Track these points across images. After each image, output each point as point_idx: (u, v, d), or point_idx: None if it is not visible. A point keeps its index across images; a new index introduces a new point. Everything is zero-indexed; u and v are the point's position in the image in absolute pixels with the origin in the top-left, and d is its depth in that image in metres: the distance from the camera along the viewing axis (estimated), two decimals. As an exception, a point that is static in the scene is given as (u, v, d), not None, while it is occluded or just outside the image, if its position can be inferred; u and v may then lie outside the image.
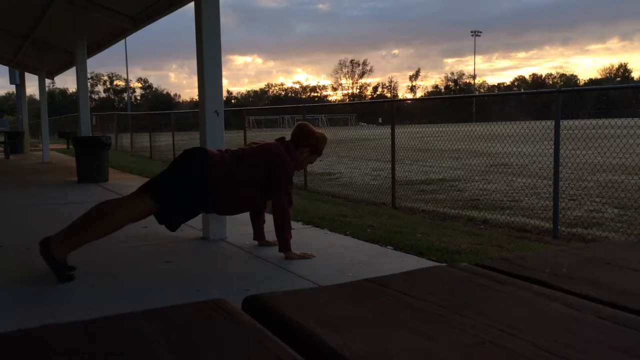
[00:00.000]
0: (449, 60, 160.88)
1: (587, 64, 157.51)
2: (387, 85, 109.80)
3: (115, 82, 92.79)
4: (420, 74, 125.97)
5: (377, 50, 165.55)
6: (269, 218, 4.20)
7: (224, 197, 3.76)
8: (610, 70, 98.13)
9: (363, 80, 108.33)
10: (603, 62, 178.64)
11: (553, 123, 5.39)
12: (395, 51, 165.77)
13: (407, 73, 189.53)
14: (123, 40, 12.54)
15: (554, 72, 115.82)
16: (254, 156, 3.84)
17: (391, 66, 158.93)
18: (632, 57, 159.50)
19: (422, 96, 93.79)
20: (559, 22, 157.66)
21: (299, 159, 4.03)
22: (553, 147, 5.36)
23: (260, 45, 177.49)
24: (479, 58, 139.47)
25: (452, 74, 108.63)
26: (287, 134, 4.22)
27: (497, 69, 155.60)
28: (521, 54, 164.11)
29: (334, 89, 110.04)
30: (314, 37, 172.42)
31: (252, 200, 3.95)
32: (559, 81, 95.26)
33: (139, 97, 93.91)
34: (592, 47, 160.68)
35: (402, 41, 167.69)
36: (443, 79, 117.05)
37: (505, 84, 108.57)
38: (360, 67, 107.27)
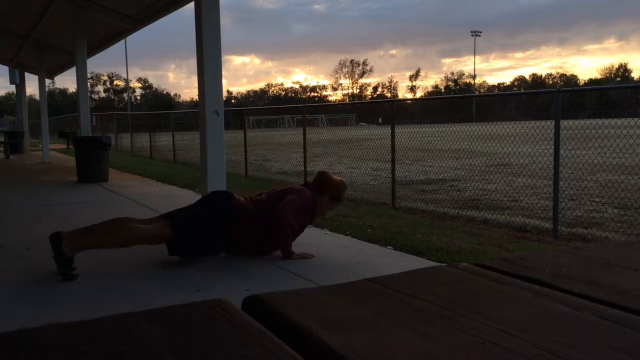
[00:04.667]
0: (447, 61, 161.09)
1: (585, 64, 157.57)
2: (387, 85, 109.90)
3: (115, 82, 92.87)
4: (420, 74, 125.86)
5: (375, 50, 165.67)
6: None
7: (240, 238, 3.83)
8: (610, 70, 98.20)
9: (363, 80, 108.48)
10: (601, 62, 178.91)
11: (553, 123, 5.39)
12: (393, 51, 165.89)
13: (405, 73, 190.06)
14: (123, 40, 12.55)
15: (553, 72, 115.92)
16: (276, 197, 3.93)
17: (389, 66, 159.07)
18: (630, 57, 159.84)
19: (422, 96, 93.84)
20: (555, 23, 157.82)
21: (320, 204, 4.08)
22: (553, 147, 5.36)
23: (257, 46, 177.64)
24: (476, 58, 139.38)
25: (452, 74, 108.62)
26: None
27: (495, 69, 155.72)
28: (518, 54, 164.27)
29: (334, 89, 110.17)
30: (311, 37, 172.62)
31: (268, 242, 3.96)
32: (558, 81, 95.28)
33: (138, 97, 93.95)
34: (589, 47, 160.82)
35: (399, 41, 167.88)
36: (443, 79, 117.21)
37: (505, 84, 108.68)
38: (360, 67, 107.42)
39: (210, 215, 3.74)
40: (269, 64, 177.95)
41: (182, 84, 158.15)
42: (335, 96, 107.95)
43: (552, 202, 5.43)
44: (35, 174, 10.96)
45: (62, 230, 3.42)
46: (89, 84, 14.20)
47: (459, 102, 58.40)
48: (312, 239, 4.54)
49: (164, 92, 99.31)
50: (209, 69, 4.64)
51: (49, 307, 3.00)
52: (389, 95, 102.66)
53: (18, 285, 3.38)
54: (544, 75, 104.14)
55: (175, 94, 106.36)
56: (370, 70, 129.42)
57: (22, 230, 5.13)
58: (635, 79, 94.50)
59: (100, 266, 3.74)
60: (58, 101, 74.62)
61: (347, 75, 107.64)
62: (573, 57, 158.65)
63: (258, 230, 3.82)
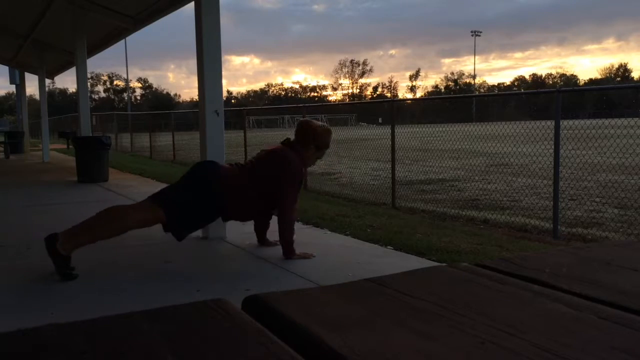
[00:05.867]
0: (446, 61, 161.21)
1: (584, 64, 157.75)
2: (387, 85, 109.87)
3: (115, 82, 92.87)
4: (420, 74, 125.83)
5: (374, 50, 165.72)
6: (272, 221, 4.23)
7: (232, 207, 3.82)
8: (610, 70, 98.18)
9: (363, 80, 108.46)
10: (600, 62, 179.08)
11: (553, 123, 5.39)
12: (392, 51, 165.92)
13: (404, 73, 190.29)
14: (123, 40, 12.55)
15: (553, 72, 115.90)
16: (262, 167, 3.90)
17: (389, 66, 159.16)
18: (629, 57, 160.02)
19: (422, 96, 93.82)
20: (554, 23, 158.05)
21: (307, 157, 4.03)
22: (553, 147, 5.36)
23: (257, 46, 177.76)
24: (476, 58, 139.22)
25: (452, 73, 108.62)
26: (288, 134, 4.23)
27: (494, 69, 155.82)
28: (518, 54, 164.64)
29: (334, 89, 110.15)
30: (310, 37, 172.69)
31: (260, 210, 3.99)
32: (559, 81, 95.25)
33: (138, 97, 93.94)
34: (589, 47, 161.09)
35: (398, 41, 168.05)
36: (443, 78, 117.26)
37: (505, 84, 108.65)
38: (360, 67, 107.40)
39: (199, 186, 3.71)
40: (269, 64, 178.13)
41: (182, 84, 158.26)
42: (335, 96, 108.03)
43: (552, 202, 5.43)
44: (35, 174, 10.96)
45: (59, 232, 3.42)
46: (89, 84, 14.20)
47: (459, 102, 58.36)
48: (312, 239, 4.54)
49: (164, 92, 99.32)
50: (209, 69, 4.64)
51: (49, 307, 3.00)
52: (389, 95, 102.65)
53: (18, 285, 3.37)
54: (544, 75, 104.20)
55: (175, 94, 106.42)
56: (370, 70, 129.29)
57: (22, 230, 5.13)
58: (635, 79, 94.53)
59: (99, 266, 3.74)
60: (58, 101, 74.59)
61: (347, 75, 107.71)
62: (572, 57, 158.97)
63: (247, 196, 3.80)
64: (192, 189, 3.73)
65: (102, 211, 3.54)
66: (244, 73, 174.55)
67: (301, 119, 4.29)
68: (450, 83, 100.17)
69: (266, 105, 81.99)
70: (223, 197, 3.73)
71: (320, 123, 4.23)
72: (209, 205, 3.72)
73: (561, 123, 5.37)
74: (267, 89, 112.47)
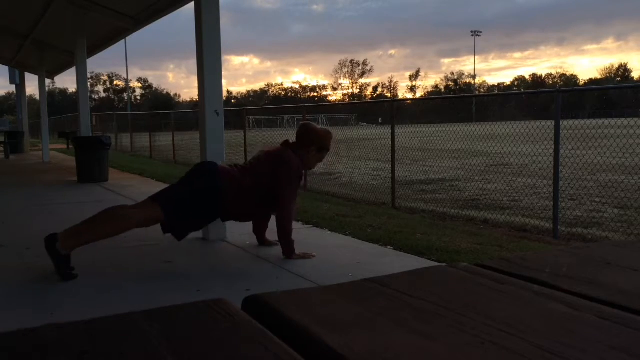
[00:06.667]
0: (446, 61, 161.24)
1: (584, 64, 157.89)
2: (387, 85, 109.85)
3: (115, 82, 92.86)
4: (420, 74, 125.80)
5: (374, 50, 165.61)
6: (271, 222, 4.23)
7: (231, 206, 3.82)
8: (610, 70, 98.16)
9: (363, 80, 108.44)
10: (600, 62, 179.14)
11: (553, 123, 5.39)
12: (392, 51, 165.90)
13: (404, 73, 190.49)
14: (123, 40, 12.55)
15: (553, 72, 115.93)
16: (261, 167, 3.91)
17: (388, 66, 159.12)
18: (629, 57, 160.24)
19: (422, 96, 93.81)
20: (553, 23, 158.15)
21: (307, 159, 4.04)
22: (553, 147, 5.36)
23: (256, 46, 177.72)
24: (475, 58, 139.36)
25: (452, 74, 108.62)
26: (288, 134, 4.24)
27: (494, 69, 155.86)
28: (517, 54, 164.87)
29: (334, 89, 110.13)
30: (309, 37, 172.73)
31: (259, 210, 4.02)
32: (559, 81, 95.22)
33: (139, 97, 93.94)
34: (588, 47, 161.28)
35: (397, 41, 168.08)
36: (442, 78, 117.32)
37: (505, 84, 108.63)
38: (360, 67, 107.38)
39: (199, 190, 3.73)
40: (268, 64, 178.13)
41: (182, 84, 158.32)
42: (335, 96, 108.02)
43: (552, 202, 5.43)
44: (35, 174, 10.96)
45: (58, 233, 3.42)
46: (89, 84, 14.20)
47: (459, 102, 58.30)
48: (312, 239, 4.54)
49: (164, 92, 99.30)
50: (209, 68, 4.64)
51: (49, 307, 3.00)
52: (389, 95, 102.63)
53: (18, 285, 3.38)
54: (544, 75, 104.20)
55: (175, 94, 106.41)
56: (370, 70, 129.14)
57: (22, 230, 5.13)
58: (635, 78, 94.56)
59: (99, 266, 3.74)
60: (58, 101, 74.63)
61: (347, 75, 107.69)
62: (572, 57, 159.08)
63: (246, 195, 3.81)
64: (191, 187, 3.75)
65: (102, 211, 3.55)
66: (243, 73, 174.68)
67: (302, 121, 4.31)
68: (450, 83, 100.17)
69: (266, 105, 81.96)
70: (222, 195, 3.74)
71: (321, 127, 4.24)
72: (207, 203, 3.73)
73: (561, 123, 5.37)
74: (267, 89, 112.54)
